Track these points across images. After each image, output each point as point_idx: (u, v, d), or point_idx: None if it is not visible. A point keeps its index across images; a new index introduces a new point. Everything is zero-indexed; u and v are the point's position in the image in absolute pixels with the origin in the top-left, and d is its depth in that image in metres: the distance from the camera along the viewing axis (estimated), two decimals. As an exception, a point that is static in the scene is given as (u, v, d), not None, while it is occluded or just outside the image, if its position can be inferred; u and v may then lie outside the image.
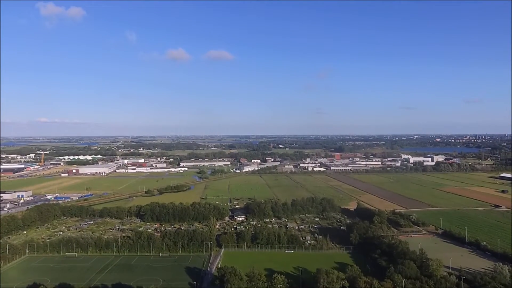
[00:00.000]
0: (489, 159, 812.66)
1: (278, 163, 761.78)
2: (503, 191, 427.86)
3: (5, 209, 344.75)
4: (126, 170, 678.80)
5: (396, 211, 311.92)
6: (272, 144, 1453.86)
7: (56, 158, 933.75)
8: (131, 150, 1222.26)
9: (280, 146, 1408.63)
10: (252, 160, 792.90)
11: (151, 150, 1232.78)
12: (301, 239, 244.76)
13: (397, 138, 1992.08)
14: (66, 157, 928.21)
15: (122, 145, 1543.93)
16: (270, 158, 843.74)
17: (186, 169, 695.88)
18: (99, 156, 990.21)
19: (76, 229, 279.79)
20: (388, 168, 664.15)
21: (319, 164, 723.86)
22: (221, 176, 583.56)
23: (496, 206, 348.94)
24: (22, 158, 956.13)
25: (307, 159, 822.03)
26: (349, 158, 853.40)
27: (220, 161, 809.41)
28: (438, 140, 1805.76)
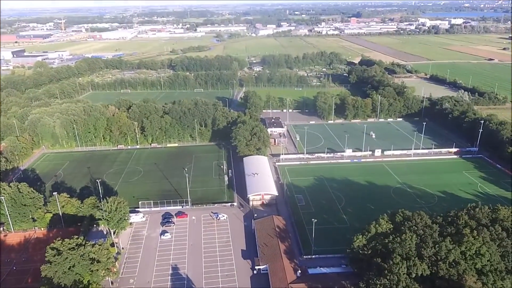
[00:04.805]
0: (509, 22, 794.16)
1: (293, 27, 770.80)
2: (504, 49, 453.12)
3: (54, 64, 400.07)
4: (147, 35, 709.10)
5: (394, 62, 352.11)
6: (288, 11, 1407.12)
7: (76, 26, 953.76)
8: (146, 18, 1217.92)
9: (297, 12, 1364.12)
10: (267, 25, 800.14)
11: (165, 18, 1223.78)
12: (309, 81, 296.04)
13: (422, 4, 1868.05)
14: (85, 25, 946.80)
15: (135, 14, 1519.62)
16: (286, 23, 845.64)
17: (204, 33, 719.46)
18: (115, 24, 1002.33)
19: (121, 76, 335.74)
20: (401, 31, 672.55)
21: (334, 28, 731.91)
22: (238, 39, 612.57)
23: (490, 59, 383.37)
24: (42, 26, 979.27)
25: (322, 23, 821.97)
26: (365, 23, 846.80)
27: (236, 26, 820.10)
28: (467, 5, 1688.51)
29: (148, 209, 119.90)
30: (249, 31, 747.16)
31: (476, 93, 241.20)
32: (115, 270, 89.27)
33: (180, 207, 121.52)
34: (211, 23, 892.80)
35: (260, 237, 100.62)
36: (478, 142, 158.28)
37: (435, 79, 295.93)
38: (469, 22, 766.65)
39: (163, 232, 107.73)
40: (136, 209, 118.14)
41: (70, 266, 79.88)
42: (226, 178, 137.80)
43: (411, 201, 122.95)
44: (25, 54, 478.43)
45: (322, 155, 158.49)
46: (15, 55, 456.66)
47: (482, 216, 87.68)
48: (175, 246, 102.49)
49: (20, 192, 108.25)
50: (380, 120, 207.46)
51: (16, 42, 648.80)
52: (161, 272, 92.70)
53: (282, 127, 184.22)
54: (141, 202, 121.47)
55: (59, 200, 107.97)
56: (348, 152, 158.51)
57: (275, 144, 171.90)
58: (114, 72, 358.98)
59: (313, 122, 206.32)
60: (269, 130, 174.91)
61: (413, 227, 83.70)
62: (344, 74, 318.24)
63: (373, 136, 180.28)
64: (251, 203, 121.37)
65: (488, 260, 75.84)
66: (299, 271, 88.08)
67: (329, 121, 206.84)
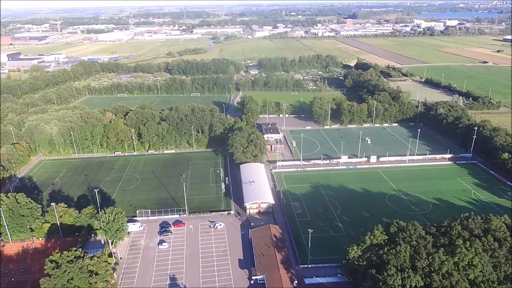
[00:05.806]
0: (503, 23, 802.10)
1: (289, 29, 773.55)
2: (498, 51, 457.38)
3: (50, 67, 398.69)
4: (144, 37, 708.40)
5: (390, 65, 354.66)
6: (284, 12, 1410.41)
7: (71, 27, 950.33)
8: (142, 20, 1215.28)
9: (293, 13, 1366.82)
10: (264, 27, 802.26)
11: (161, 19, 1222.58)
12: (305, 85, 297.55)
13: (417, 5, 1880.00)
14: (81, 26, 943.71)
15: (131, 15, 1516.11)
16: (282, 24, 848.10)
17: (200, 35, 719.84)
18: (111, 25, 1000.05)
19: (117, 80, 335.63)
20: (396, 33, 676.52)
21: (330, 30, 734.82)
22: (234, 41, 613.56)
23: (484, 62, 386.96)
24: (38, 27, 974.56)
25: (318, 25, 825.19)
26: (361, 24, 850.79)
27: (232, 27, 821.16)
28: (462, 6, 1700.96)
29: (145, 218, 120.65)
30: (246, 32, 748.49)
31: (471, 98, 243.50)
32: (113, 281, 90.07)
33: (178, 215, 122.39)
34: (207, 25, 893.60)
35: (257, 247, 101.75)
36: (472, 148, 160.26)
37: (430, 83, 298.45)
38: (463, 24, 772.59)
39: (161, 242, 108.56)
40: (134, 218, 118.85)
41: (68, 279, 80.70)
42: (223, 186, 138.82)
43: (406, 208, 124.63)
44: (21, 57, 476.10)
45: (318, 161, 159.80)
46: (10, 58, 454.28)
47: (474, 226, 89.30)
48: (172, 255, 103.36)
49: (18, 202, 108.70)
50: (375, 125, 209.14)
51: (11, 44, 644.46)
52: (159, 282, 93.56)
53: (279, 133, 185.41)
54: (138, 211, 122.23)
55: (57, 210, 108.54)
56: (344, 158, 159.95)
57: (271, 150, 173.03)
58: (110, 75, 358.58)
59: (309, 127, 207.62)
60: (265, 136, 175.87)
61: (407, 238, 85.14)
62: (340, 78, 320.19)
63: (369, 142, 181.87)
64: (248, 211, 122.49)
65: (480, 271, 77.40)
66: (296, 281, 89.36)
67: (325, 126, 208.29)
